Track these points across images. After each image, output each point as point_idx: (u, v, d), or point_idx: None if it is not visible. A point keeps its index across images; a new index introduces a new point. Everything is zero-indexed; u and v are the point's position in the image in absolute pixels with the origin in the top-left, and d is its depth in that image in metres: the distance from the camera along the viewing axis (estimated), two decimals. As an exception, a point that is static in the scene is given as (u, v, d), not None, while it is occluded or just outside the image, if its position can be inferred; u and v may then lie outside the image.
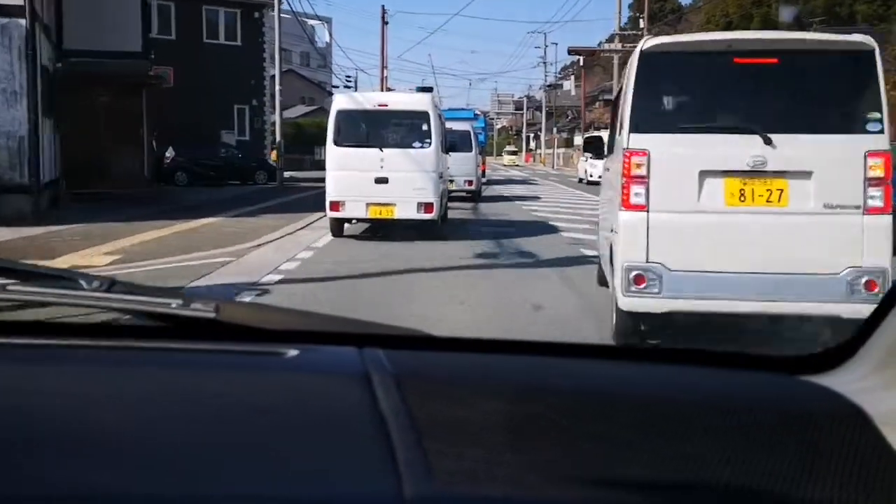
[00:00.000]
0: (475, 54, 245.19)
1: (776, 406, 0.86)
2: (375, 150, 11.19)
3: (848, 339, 0.92)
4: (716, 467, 0.74)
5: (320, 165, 46.31)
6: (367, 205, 11.12)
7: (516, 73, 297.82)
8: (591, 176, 27.37)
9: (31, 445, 0.69)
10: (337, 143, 11.45)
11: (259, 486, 0.65)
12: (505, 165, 60.11)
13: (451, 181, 17.23)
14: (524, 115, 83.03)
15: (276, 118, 27.68)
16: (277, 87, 27.32)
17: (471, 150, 19.68)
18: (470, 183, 19.79)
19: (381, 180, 11.06)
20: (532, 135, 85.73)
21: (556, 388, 0.89)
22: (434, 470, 0.67)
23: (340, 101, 12.12)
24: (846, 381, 0.88)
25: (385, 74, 54.62)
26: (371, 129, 11.61)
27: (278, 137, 27.52)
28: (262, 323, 1.00)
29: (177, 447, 0.71)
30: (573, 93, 52.60)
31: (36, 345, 0.92)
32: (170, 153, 26.58)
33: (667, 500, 0.71)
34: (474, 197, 20.07)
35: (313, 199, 17.11)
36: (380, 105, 11.82)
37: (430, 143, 11.41)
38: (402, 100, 12.92)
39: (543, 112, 67.20)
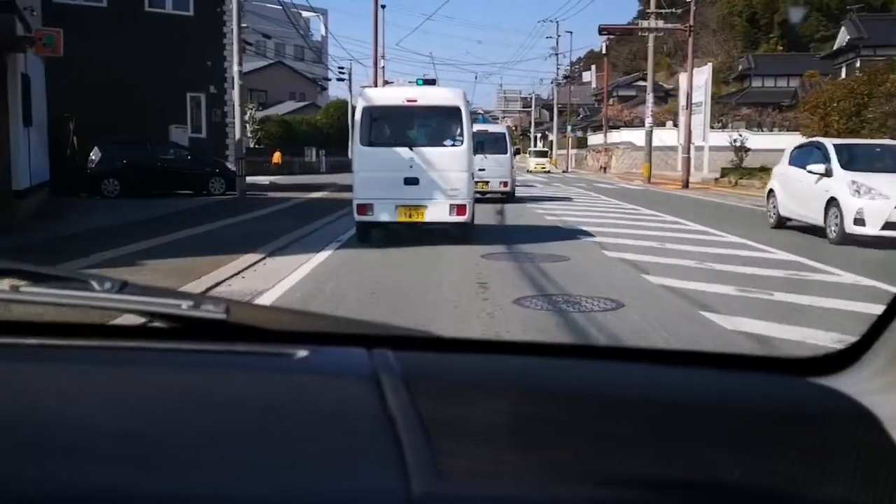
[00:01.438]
0: (481, 45, 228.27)
1: (784, 407, 0.86)
2: (405, 150, 10.38)
3: (856, 341, 0.91)
4: (724, 468, 0.74)
5: (311, 168, 39.73)
6: (397, 207, 10.37)
7: (525, 66, 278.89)
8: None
9: (44, 445, 0.69)
10: (364, 142, 10.58)
11: (269, 486, 0.65)
12: (531, 172, 45.36)
13: (487, 183, 18.49)
14: (532, 112, 76.29)
15: (235, 109, 20.92)
16: (236, 68, 20.60)
17: (506, 153, 19.79)
18: (505, 185, 19.75)
19: (411, 181, 10.32)
20: (540, 134, 79.11)
21: (564, 388, 0.88)
22: (442, 470, 0.67)
23: (367, 98, 11.06)
24: (854, 383, 0.87)
25: (382, 65, 47.97)
26: (400, 126, 10.82)
27: (237, 134, 20.80)
28: (271, 324, 0.99)
29: (188, 447, 0.70)
30: (594, 84, 46.12)
31: (47, 345, 0.92)
32: (95, 155, 19.93)
33: (675, 501, 0.70)
34: (508, 198, 19.81)
35: (280, 219, 13.79)
36: (409, 101, 10.70)
37: (462, 141, 10.60)
38: (433, 95, 11.21)
39: (555, 108, 60.65)
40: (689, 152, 30.25)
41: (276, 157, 42.32)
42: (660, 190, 28.94)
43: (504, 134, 21.33)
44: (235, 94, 20.69)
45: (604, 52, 45.76)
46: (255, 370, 0.88)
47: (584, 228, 13.28)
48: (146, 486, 0.64)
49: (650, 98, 34.01)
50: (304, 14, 78.97)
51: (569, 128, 56.47)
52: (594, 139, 59.25)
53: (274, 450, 0.71)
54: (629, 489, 0.70)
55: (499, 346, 1.08)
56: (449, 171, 10.48)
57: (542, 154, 51.97)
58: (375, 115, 10.78)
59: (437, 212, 10.45)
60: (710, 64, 37.58)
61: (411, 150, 10.41)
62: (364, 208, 10.52)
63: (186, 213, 16.03)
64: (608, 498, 0.69)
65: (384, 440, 0.71)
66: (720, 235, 12.51)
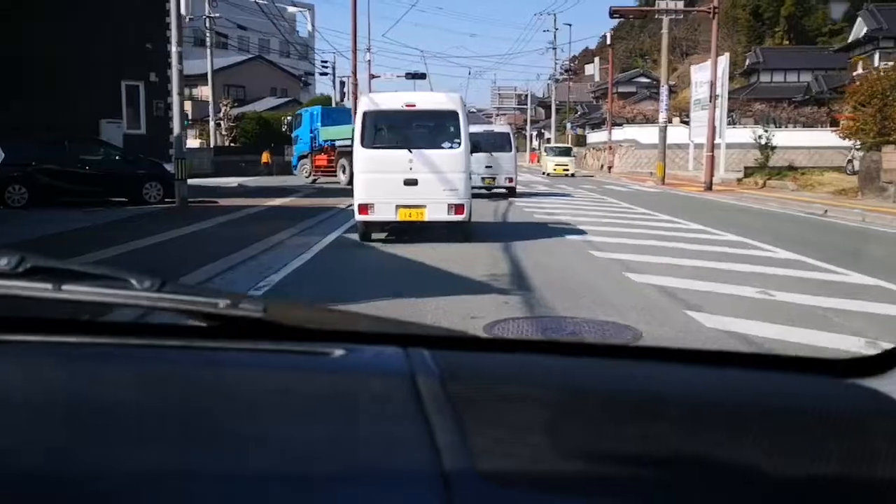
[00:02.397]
0: (475, 38, 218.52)
1: (826, 409, 0.84)
2: (404, 152, 10.49)
3: None
4: (764, 470, 0.72)
5: (291, 169, 35.26)
6: (397, 207, 10.46)
7: (521, 61, 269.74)
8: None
9: (85, 443, 0.70)
10: (364, 144, 10.60)
11: (306, 485, 0.66)
12: (548, 175, 35.94)
13: (494, 178, 20.79)
14: (528, 110, 72.15)
15: (174, 98, 16.70)
16: (174, 49, 16.38)
17: (510, 151, 21.47)
18: (510, 181, 21.19)
19: (411, 182, 10.47)
20: (535, 132, 75.05)
21: (602, 389, 0.87)
22: (479, 470, 0.67)
23: (367, 102, 11.24)
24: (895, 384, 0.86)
25: (368, 58, 43.77)
26: (399, 130, 11.00)
27: (176, 128, 16.59)
28: (308, 323, 1.00)
29: (226, 446, 0.71)
30: (597, 77, 42.07)
31: (87, 343, 0.92)
32: (-5, 155, 15.71)
33: (715, 501, 0.69)
34: (511, 193, 21.17)
35: (203, 243, 10.61)
36: (407, 105, 10.89)
37: (459, 144, 10.77)
38: (430, 99, 11.69)
39: (553, 105, 56.49)
40: (712, 150, 26.08)
41: (266, 156, 38.90)
42: (681, 193, 24.87)
43: (509, 133, 22.78)
44: (174, 79, 16.44)
45: (608, 42, 41.53)
46: (292, 369, 0.88)
47: (629, 260, 9.15)
48: (179, 485, 0.65)
49: (665, 90, 29.91)
50: (290, 9, 74.99)
51: (568, 125, 52.33)
52: (594, 137, 55.13)
53: (311, 449, 0.70)
54: (668, 492, 0.69)
55: (536, 345, 1.09)
56: (447, 172, 10.57)
57: (565, 152, 38.29)
58: (376, 119, 10.85)
59: (435, 211, 10.54)
60: (726, 54, 33.57)
61: (410, 152, 10.50)
62: (365, 208, 10.55)
63: (95, 230, 12.07)
64: (647, 499, 0.68)
65: (420, 440, 0.71)
66: (843, 273, 8.25)
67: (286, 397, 0.81)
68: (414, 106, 10.98)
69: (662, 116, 29.78)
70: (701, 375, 0.94)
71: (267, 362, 0.90)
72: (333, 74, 45.37)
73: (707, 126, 28.01)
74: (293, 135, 34.01)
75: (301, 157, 32.17)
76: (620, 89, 69.70)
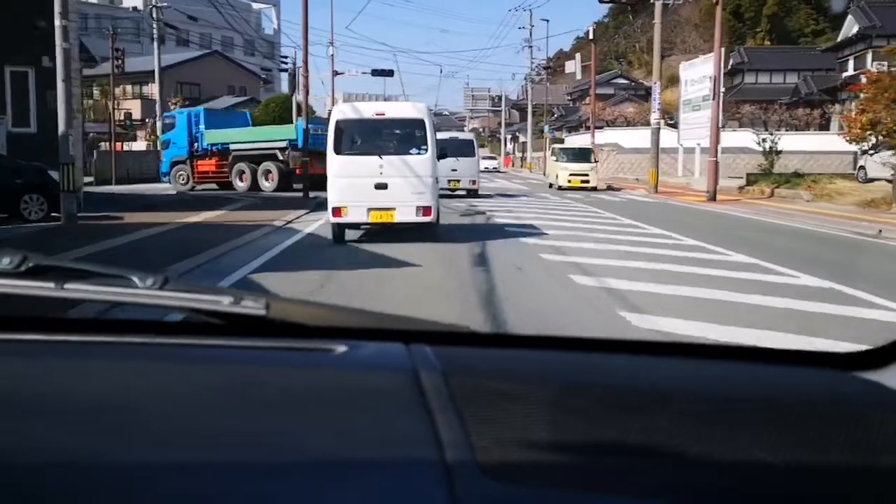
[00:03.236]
0: (446, 35, 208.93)
1: (829, 401, 0.85)
2: (375, 158, 11.08)
3: None
4: (768, 462, 0.72)
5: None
6: (369, 210, 11.01)
7: (496, 59, 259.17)
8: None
9: (90, 440, 0.69)
10: (338, 151, 11.19)
11: (309, 480, 0.66)
12: (559, 189, 27.09)
13: (458, 181, 22.64)
14: (503, 113, 68.71)
15: (59, 88, 12.90)
16: (59, 23, 12.58)
17: (473, 156, 23.88)
18: (473, 182, 23.32)
19: (381, 186, 10.99)
20: (510, 136, 71.69)
21: (603, 383, 0.87)
22: (482, 465, 0.67)
23: (340, 112, 11.87)
24: None
25: (332, 53, 40.05)
26: (370, 137, 11.56)
27: (61, 126, 12.79)
28: (311, 320, 0.99)
29: (230, 443, 0.71)
30: (579, 75, 38.81)
31: (91, 342, 0.92)
32: None
33: (717, 496, 0.69)
34: (474, 193, 22.98)
35: None
36: (377, 114, 11.68)
37: (426, 150, 11.36)
38: (399, 109, 12.78)
39: (530, 105, 53.06)
40: (716, 154, 22.73)
41: None
42: (682, 204, 21.48)
43: (472, 140, 24.92)
44: (59, 61, 12.65)
45: (591, 36, 38.14)
46: (294, 366, 0.88)
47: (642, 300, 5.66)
48: (188, 483, 0.64)
49: (657, 87, 26.57)
50: (255, 6, 70.84)
51: (546, 128, 48.90)
52: (572, 140, 51.87)
53: (314, 445, 0.71)
54: (670, 485, 0.69)
55: (537, 340, 1.07)
56: (415, 176, 11.09)
57: (582, 156, 28.86)
58: (348, 128, 11.37)
59: (405, 213, 11.06)
60: (722, 49, 30.36)
61: (381, 158, 11.06)
62: (339, 211, 10.99)
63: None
64: (649, 490, 0.68)
65: (423, 435, 0.71)
66: None
67: (289, 394, 0.80)
68: (384, 115, 11.59)
69: (655, 117, 26.45)
70: (701, 369, 0.93)
71: (270, 359, 0.89)
72: (295, 72, 41.58)
73: (709, 127, 24.66)
74: (163, 139, 29.59)
75: (175, 163, 27.90)
76: (598, 91, 66.61)
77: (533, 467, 0.69)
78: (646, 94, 65.58)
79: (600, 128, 47.76)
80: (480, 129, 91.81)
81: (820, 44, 52.76)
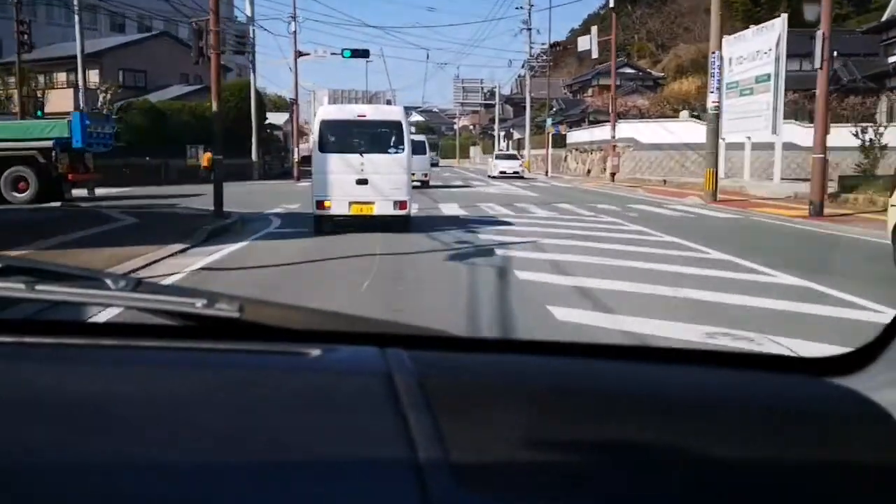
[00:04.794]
0: (434, 13, 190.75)
1: (801, 407, 0.84)
2: (357, 156, 11.75)
3: (872, 341, 0.89)
4: (742, 468, 0.72)
5: (193, 175, 24.38)
6: (350, 203, 11.67)
7: (491, 43, 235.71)
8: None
9: (60, 443, 0.68)
10: (323, 149, 11.87)
11: (282, 484, 0.65)
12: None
13: (413, 174, 21.31)
14: (497, 107, 61.34)
15: None
16: None
17: (425, 154, 27.07)
18: (426, 176, 26.21)
19: (362, 182, 11.65)
20: (503, 133, 64.41)
21: (579, 389, 0.86)
22: (456, 469, 0.66)
23: (324, 113, 12.66)
24: (871, 382, 0.85)
25: (293, 30, 32.59)
26: (352, 136, 12.11)
27: None
28: (285, 322, 0.97)
29: (201, 446, 0.70)
30: (595, 54, 31.53)
31: (62, 344, 0.89)
32: None
33: (692, 500, 0.68)
34: (426, 185, 25.74)
35: None
36: (360, 116, 12.39)
37: (403, 149, 12.02)
38: (379, 111, 13.90)
39: (528, 96, 45.84)
40: (824, 148, 15.44)
41: (206, 158, 29.90)
42: (780, 222, 14.32)
43: (423, 141, 28.10)
44: None
45: (611, 4, 30.72)
46: (268, 369, 0.86)
47: None
48: (160, 485, 0.63)
49: (716, 58, 19.31)
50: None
51: (548, 121, 41.62)
52: (576, 136, 44.61)
53: (287, 448, 0.69)
54: (646, 491, 0.68)
55: (513, 345, 1.07)
56: (392, 173, 11.84)
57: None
58: (332, 128, 12.06)
59: (383, 207, 11.74)
60: (784, 16, 23.27)
61: (362, 156, 11.81)
62: (322, 203, 11.76)
63: None
64: (624, 495, 0.67)
65: (397, 439, 0.69)
66: None
67: (263, 397, 0.78)
68: (365, 116, 12.46)
69: (713, 99, 19.27)
70: (679, 374, 0.92)
71: (243, 362, 0.88)
72: (253, 54, 34.16)
73: (765, 115, 17.41)
74: None
75: None
76: (604, 82, 59.63)
77: (507, 472, 0.68)
78: (654, 85, 58.75)
79: (601, 122, 40.71)
80: (471, 127, 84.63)
81: (851, 26, 46.01)
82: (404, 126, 12.18)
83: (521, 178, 34.59)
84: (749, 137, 24.38)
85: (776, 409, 0.82)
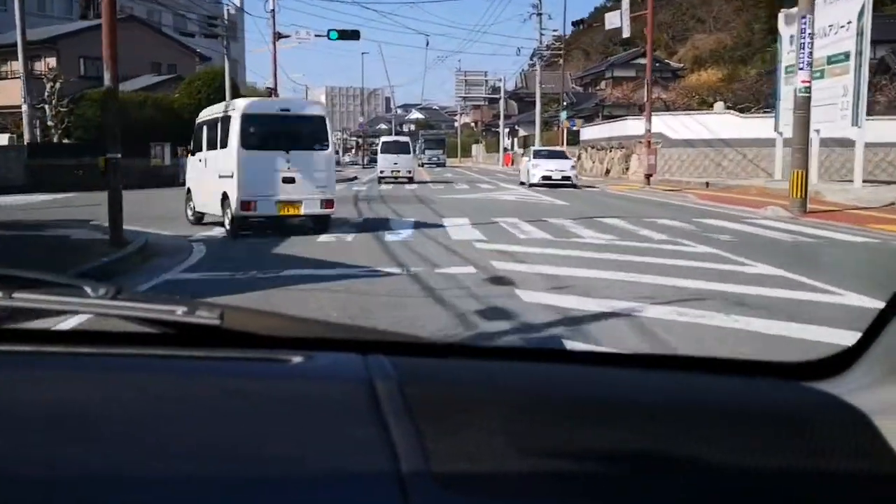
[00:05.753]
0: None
1: (780, 411, 0.83)
2: (282, 153, 11.10)
3: (851, 346, 0.88)
4: (720, 472, 0.72)
5: (159, 176, 24.60)
6: (276, 203, 11.03)
7: (498, 28, 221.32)
8: None
9: (37, 451, 0.67)
10: (245, 146, 10.97)
11: (264, 491, 0.64)
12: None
13: (399, 171, 28.53)
14: (501, 101, 56.41)
15: None
16: None
17: (409, 154, 29.56)
18: (409, 172, 28.79)
19: (289, 180, 11.05)
20: (508, 129, 59.56)
21: (560, 394, 0.85)
22: (436, 476, 0.66)
23: (245, 107, 11.43)
24: (849, 387, 0.85)
25: (271, 8, 27.66)
26: (277, 132, 11.41)
27: None
28: (266, 330, 0.96)
29: (182, 454, 0.69)
30: (626, 32, 26.49)
31: (41, 353, 0.88)
32: None
33: (668, 502, 0.69)
34: (411, 180, 28.05)
35: None
36: (282, 110, 11.78)
37: (328, 145, 11.60)
38: (302, 105, 13.15)
39: (538, 88, 40.89)
40: None
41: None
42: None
43: (408, 142, 30.84)
44: None
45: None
46: (249, 376, 0.85)
47: None
48: (141, 493, 0.63)
49: (806, 25, 14.44)
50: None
51: (563, 115, 36.65)
52: (590, 132, 39.75)
53: (268, 456, 0.68)
54: (624, 495, 0.68)
55: (494, 352, 1.05)
56: (319, 171, 11.29)
57: None
58: (255, 123, 11.15)
59: (310, 206, 11.17)
60: (868, -21, 18.51)
61: (288, 153, 11.05)
62: (248, 205, 10.82)
63: None
64: (599, 496, 0.67)
65: (379, 445, 0.69)
66: None
67: (244, 405, 0.77)
68: (288, 111, 11.70)
69: (802, 77, 14.45)
70: (659, 380, 0.91)
71: (224, 370, 0.86)
72: (226, 37, 29.25)
73: (858, 98, 12.60)
74: None
75: None
76: (619, 73, 54.74)
77: (488, 479, 0.68)
78: (672, 76, 54.00)
79: (616, 117, 35.89)
80: (472, 124, 79.60)
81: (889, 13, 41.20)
82: (328, 121, 11.86)
83: (574, 186, 24.32)
84: (818, 131, 19.53)
85: (755, 414, 0.81)
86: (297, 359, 0.86)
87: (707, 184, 24.06)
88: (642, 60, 53.50)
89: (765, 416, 0.81)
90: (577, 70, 63.67)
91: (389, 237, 10.66)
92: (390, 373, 0.82)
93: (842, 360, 0.89)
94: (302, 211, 11.09)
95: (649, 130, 23.19)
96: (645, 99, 23.92)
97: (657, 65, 53.21)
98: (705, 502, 0.68)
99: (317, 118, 11.63)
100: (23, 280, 0.94)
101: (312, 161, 11.23)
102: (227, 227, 11.12)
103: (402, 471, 0.65)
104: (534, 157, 25.97)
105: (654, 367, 0.96)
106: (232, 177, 10.91)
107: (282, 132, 11.33)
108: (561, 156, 26.71)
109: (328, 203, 11.31)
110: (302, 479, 0.65)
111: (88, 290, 0.92)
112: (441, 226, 12.27)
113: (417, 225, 12.32)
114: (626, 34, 27.33)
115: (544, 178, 24.38)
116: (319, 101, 13.14)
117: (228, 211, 11.03)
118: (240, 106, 11.41)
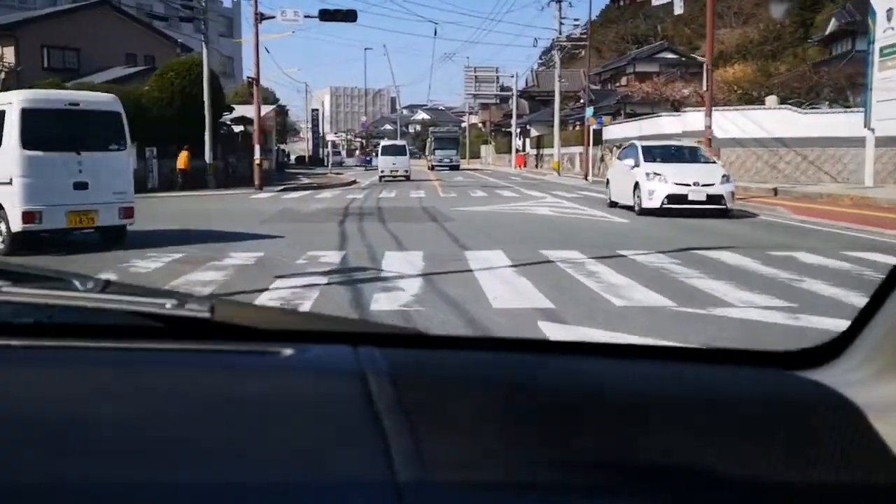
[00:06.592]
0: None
1: (769, 401, 0.83)
2: (72, 154, 9.46)
3: (839, 335, 0.88)
4: (708, 461, 0.72)
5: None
6: (67, 213, 9.38)
7: (512, 16, 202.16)
8: None
9: (27, 448, 0.66)
10: (26, 145, 9.15)
11: (255, 484, 0.64)
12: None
13: (397, 170, 31.61)
14: (513, 98, 51.88)
15: None
16: None
17: (405, 155, 32.78)
18: (406, 171, 31.71)
19: (82, 185, 9.46)
20: (519, 130, 55.07)
21: (551, 384, 0.85)
22: (429, 469, 0.66)
23: (23, 99, 9.47)
24: (838, 376, 0.85)
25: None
26: (65, 130, 9.62)
27: None
28: (257, 322, 0.95)
29: (172, 447, 0.68)
30: (679, 9, 21.96)
31: (30, 347, 0.87)
32: None
33: (659, 493, 0.68)
34: (408, 178, 30.53)
35: None
36: (71, 104, 9.85)
37: (125, 145, 10.14)
38: (94, 99, 10.58)
39: (557, 83, 36.35)
40: None
41: (182, 159, 23.64)
42: None
43: (404, 145, 35.07)
44: None
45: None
46: (239, 369, 0.84)
47: None
48: (131, 488, 0.62)
49: None
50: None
51: (589, 111, 31.98)
52: (615, 131, 35.21)
53: (259, 448, 0.67)
54: (613, 483, 0.68)
55: (485, 343, 1.08)
56: (115, 174, 9.89)
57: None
58: (37, 118, 9.41)
59: (107, 216, 9.78)
60: None
61: (79, 154, 9.56)
62: (31, 216, 9.15)
63: None
64: (593, 487, 0.67)
65: (370, 437, 0.68)
66: None
67: (234, 398, 0.76)
68: (78, 105, 9.91)
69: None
70: (649, 370, 0.91)
71: (214, 363, 0.85)
72: (205, 22, 24.80)
73: None
74: None
75: None
76: (640, 68, 50.10)
77: (480, 465, 0.67)
78: (698, 72, 49.38)
79: (646, 114, 31.37)
80: (480, 125, 75.11)
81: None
82: (124, 118, 10.03)
83: (728, 212, 13.68)
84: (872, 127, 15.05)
85: (743, 404, 0.81)
86: (288, 351, 0.84)
87: (775, 191, 19.55)
88: (668, 55, 49.15)
89: (753, 406, 0.80)
90: (591, 68, 59.28)
91: (377, 304, 5.73)
92: (382, 365, 0.81)
93: (830, 350, 0.88)
94: (97, 222, 9.66)
95: (709, 127, 18.60)
96: (704, 87, 19.29)
97: (681, 59, 48.94)
98: (695, 492, 0.67)
99: (112, 114, 9.98)
100: (11, 274, 0.91)
101: (108, 163, 9.73)
102: (1, 244, 9.25)
103: (395, 464, 0.64)
104: (645, 160, 14.30)
105: (644, 358, 0.95)
106: (10, 183, 9.11)
107: (71, 130, 9.60)
108: (696, 156, 15.16)
109: (127, 211, 9.98)
110: (293, 473, 0.64)
111: (77, 283, 0.90)
112: (465, 269, 7.63)
113: (427, 265, 7.81)
114: (678, 10, 22.81)
115: (673, 198, 13.39)
116: (113, 96, 10.24)
117: (3, 224, 9.20)
118: (17, 98, 9.58)
